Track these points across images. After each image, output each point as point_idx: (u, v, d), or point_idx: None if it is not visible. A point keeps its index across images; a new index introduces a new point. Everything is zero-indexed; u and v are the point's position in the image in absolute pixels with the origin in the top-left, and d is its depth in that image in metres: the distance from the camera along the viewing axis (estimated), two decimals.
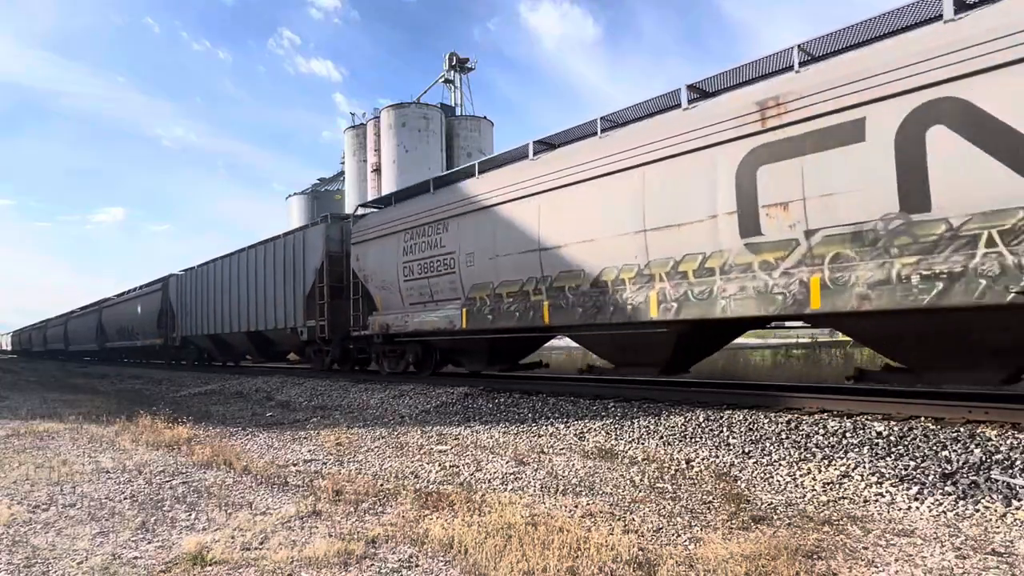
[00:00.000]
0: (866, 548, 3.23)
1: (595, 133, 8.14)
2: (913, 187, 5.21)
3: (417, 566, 3.12)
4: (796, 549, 3.18)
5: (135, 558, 3.31)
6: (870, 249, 5.49)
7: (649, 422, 6.56)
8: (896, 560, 3.06)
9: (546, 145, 9.04)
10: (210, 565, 3.16)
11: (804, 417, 5.89)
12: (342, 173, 45.76)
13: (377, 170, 38.08)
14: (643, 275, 7.28)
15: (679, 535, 3.51)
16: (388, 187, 34.00)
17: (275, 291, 15.23)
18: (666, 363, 7.78)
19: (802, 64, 6.23)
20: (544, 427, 7.09)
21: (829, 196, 5.70)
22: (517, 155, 9.46)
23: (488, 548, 3.21)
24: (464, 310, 9.78)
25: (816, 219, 5.81)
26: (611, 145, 7.68)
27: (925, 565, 2.98)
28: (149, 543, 3.55)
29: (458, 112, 41.42)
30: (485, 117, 40.73)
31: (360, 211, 13.37)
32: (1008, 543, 3.26)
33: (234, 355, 20.10)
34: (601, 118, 8.12)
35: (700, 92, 7.32)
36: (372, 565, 3.13)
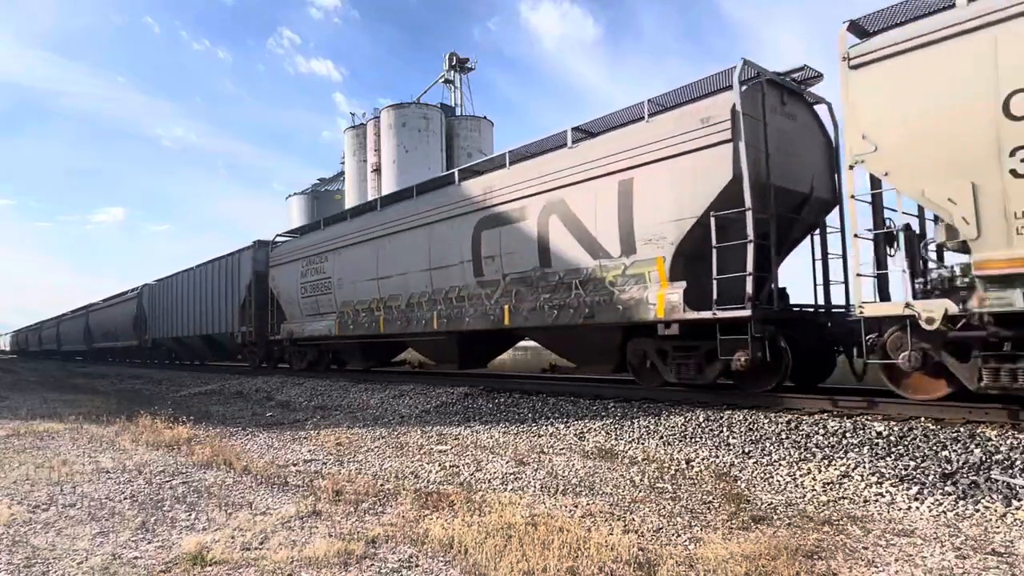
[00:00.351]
0: (866, 548, 3.23)
1: (411, 196, 11.68)
2: (544, 251, 8.60)
3: (417, 566, 3.12)
4: (796, 549, 3.18)
5: (135, 558, 3.31)
6: (529, 288, 8.84)
7: (649, 422, 6.56)
8: (896, 560, 3.06)
9: (391, 198, 12.82)
10: (210, 565, 3.16)
11: (804, 417, 5.89)
12: (342, 173, 45.76)
13: (377, 170, 38.10)
14: (431, 299, 10.61)
15: (679, 535, 3.51)
16: (388, 187, 34.01)
17: (219, 302, 18.84)
18: (459, 360, 11.14)
19: (574, 142, 8.61)
20: (544, 427, 7.09)
21: (511, 253, 9.10)
22: (371, 206, 13.09)
23: (488, 548, 3.21)
24: (337, 321, 13.27)
25: (507, 267, 9.21)
26: (419, 205, 11.21)
27: (925, 565, 2.98)
28: (149, 543, 3.55)
29: (458, 112, 41.43)
30: (485, 117, 40.74)
31: (278, 239, 16.65)
32: (1008, 543, 3.26)
33: (194, 356, 23.07)
34: (417, 185, 11.73)
35: (470, 173, 10.61)
36: (372, 565, 3.13)
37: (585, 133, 8.60)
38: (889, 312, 5.60)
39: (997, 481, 4.07)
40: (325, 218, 14.79)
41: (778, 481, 4.65)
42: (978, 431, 4.84)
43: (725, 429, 5.94)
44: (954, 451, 4.58)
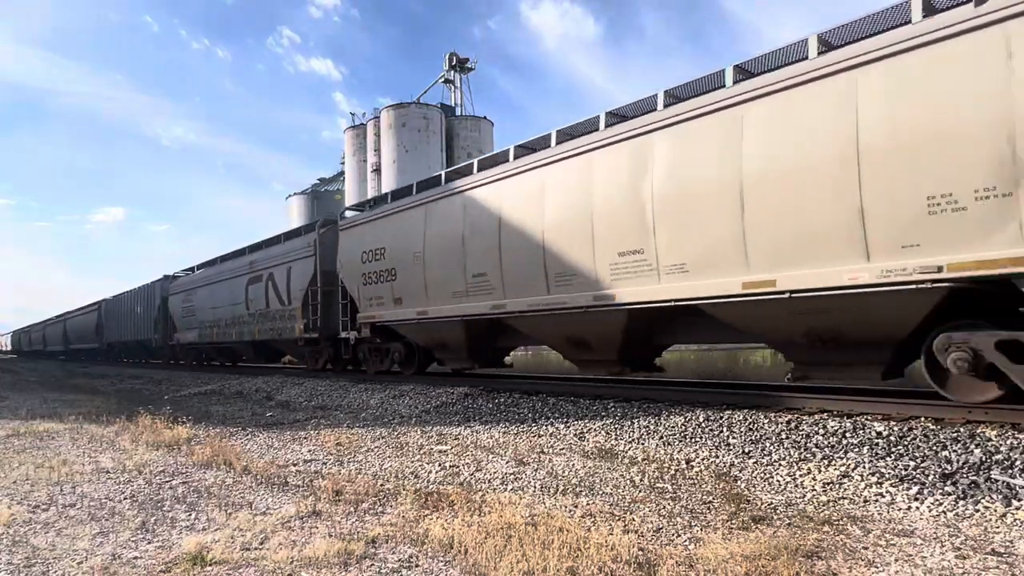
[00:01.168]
0: (866, 548, 3.23)
1: (230, 258, 19.14)
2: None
3: (417, 566, 3.12)
4: (796, 549, 3.18)
5: (135, 558, 3.31)
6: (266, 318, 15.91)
7: (649, 422, 6.56)
8: (896, 560, 3.06)
9: (225, 258, 19.87)
10: (210, 565, 3.16)
11: (804, 417, 5.89)
12: (342, 173, 45.77)
13: (377, 170, 38.09)
14: (233, 322, 17.72)
15: (679, 535, 3.51)
16: (388, 186, 34.01)
17: (144, 316, 26.51)
18: (253, 357, 19.00)
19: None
20: (544, 427, 7.10)
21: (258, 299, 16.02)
22: (214, 262, 20.85)
23: (488, 548, 3.21)
24: (199, 332, 21.08)
25: (256, 307, 17.17)
26: (230, 266, 18.51)
27: (925, 565, 2.98)
28: (149, 543, 3.55)
29: (458, 112, 41.44)
30: (485, 117, 40.75)
31: (177, 274, 24.25)
32: (1008, 543, 3.26)
33: (133, 354, 30.35)
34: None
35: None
36: (372, 565, 3.13)
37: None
38: None
39: (997, 481, 4.07)
40: (198, 264, 22.34)
41: (778, 481, 4.65)
42: (978, 431, 4.84)
43: (725, 429, 5.95)
44: (954, 451, 4.58)
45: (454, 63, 43.05)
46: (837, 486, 4.41)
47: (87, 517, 4.07)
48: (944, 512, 3.81)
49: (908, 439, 4.93)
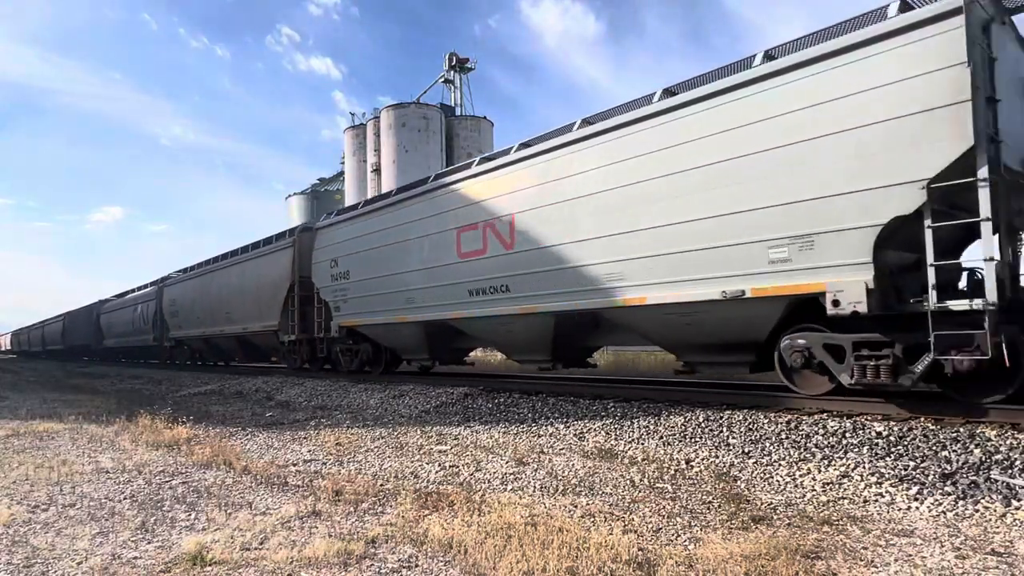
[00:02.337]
0: (866, 548, 3.23)
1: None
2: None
3: (417, 566, 3.12)
4: (796, 549, 3.18)
5: (135, 558, 3.31)
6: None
7: (649, 422, 6.56)
8: (896, 560, 3.06)
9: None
10: (210, 565, 3.16)
11: (804, 417, 5.89)
12: (342, 173, 45.77)
13: (377, 170, 38.10)
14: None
15: (679, 535, 3.51)
16: (388, 186, 34.00)
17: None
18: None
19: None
20: (544, 427, 7.09)
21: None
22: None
23: (488, 548, 3.21)
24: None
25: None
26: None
27: (925, 565, 2.98)
28: (149, 543, 3.55)
29: (458, 112, 41.44)
30: (485, 117, 40.75)
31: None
32: (1008, 543, 3.26)
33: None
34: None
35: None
36: (372, 565, 3.13)
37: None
38: None
39: (997, 481, 4.07)
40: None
41: (778, 481, 4.65)
42: (978, 431, 4.84)
43: (725, 429, 5.95)
44: (954, 451, 4.58)
45: (454, 63, 43.05)
46: (837, 486, 4.41)
47: (87, 517, 4.07)
48: (944, 512, 3.81)
49: (908, 439, 4.92)
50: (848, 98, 5.53)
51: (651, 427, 6.42)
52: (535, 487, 4.67)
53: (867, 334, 5.69)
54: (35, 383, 18.96)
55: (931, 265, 5.14)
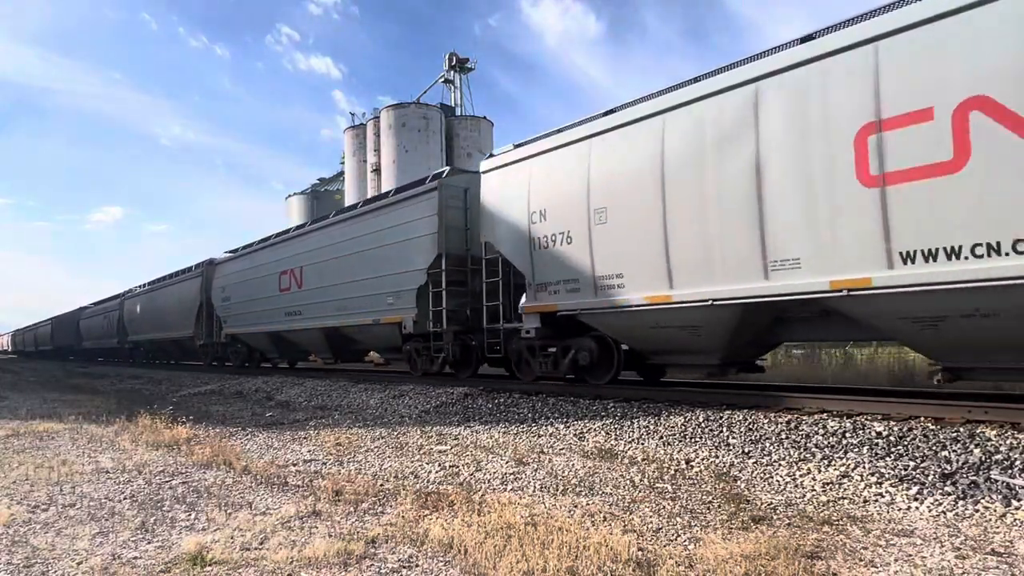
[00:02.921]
0: (866, 548, 3.23)
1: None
2: None
3: (417, 566, 3.12)
4: (796, 549, 3.18)
5: (135, 558, 3.31)
6: None
7: (649, 422, 6.56)
8: (896, 560, 3.06)
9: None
10: (210, 565, 3.16)
11: (804, 417, 5.89)
12: (342, 173, 45.76)
13: (377, 170, 38.11)
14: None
15: (679, 535, 3.51)
16: (388, 186, 33.98)
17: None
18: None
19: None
20: (544, 427, 7.09)
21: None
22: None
23: (488, 548, 3.21)
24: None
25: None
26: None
27: (925, 565, 2.98)
28: (149, 543, 3.55)
29: (458, 112, 41.44)
30: (485, 117, 40.76)
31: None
32: (1008, 543, 3.26)
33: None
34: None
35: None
36: (372, 565, 3.13)
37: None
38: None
39: (997, 481, 4.07)
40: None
41: (778, 481, 4.66)
42: (978, 431, 4.84)
43: (725, 429, 5.95)
44: (954, 451, 4.58)
45: (454, 63, 43.05)
46: (837, 486, 4.41)
47: (87, 517, 4.07)
48: (944, 512, 3.81)
49: (908, 439, 4.93)
50: (407, 223, 11.19)
51: (651, 427, 6.42)
52: (535, 487, 4.67)
53: (416, 343, 11.54)
54: (35, 383, 18.96)
55: (433, 310, 10.79)
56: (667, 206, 6.98)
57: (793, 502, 4.17)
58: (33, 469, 5.52)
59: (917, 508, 3.91)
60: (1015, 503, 3.80)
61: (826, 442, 5.20)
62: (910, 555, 3.12)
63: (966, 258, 4.90)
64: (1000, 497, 3.89)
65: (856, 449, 4.95)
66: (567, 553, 3.11)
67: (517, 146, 9.28)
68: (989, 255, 4.79)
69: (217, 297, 19.09)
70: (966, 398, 6.24)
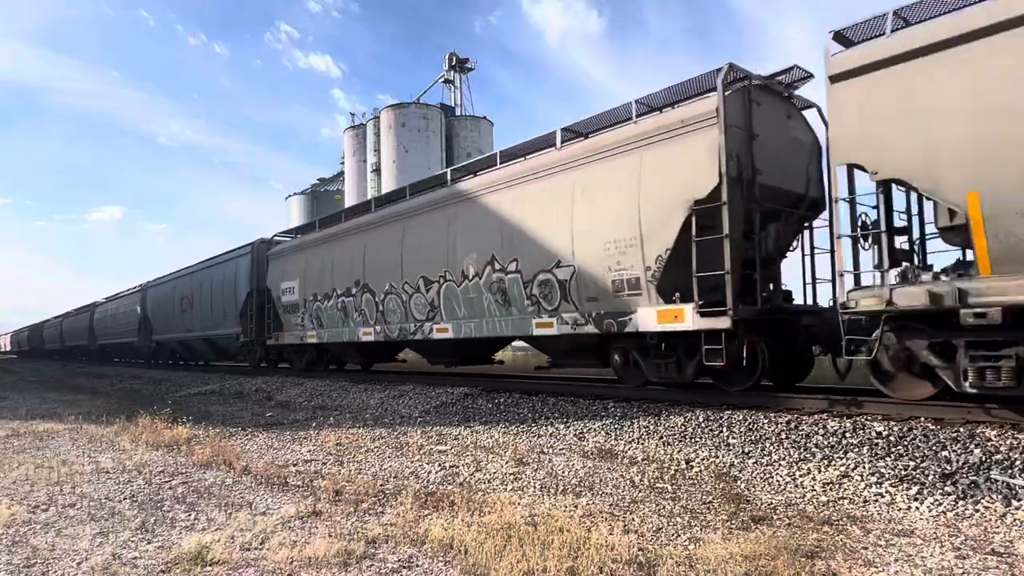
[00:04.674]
0: (866, 548, 3.23)
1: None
2: None
3: (417, 566, 3.12)
4: (796, 549, 3.18)
5: (135, 558, 3.31)
6: None
7: (649, 422, 6.56)
8: (896, 560, 3.06)
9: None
10: (210, 565, 3.16)
11: (804, 417, 5.89)
12: (342, 173, 45.77)
13: (377, 170, 38.11)
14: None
15: (679, 535, 3.51)
16: (388, 187, 34.02)
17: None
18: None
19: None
20: (544, 427, 7.09)
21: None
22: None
23: (488, 548, 3.21)
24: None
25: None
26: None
27: (925, 565, 2.99)
28: (149, 543, 3.55)
29: (458, 112, 41.46)
30: (485, 117, 40.81)
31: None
32: (1008, 543, 3.26)
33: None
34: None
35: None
36: (372, 565, 3.13)
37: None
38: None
39: (997, 481, 4.07)
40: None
41: (778, 481, 4.65)
42: (978, 431, 4.84)
43: (725, 429, 5.94)
44: (954, 451, 4.58)
45: (454, 63, 43.07)
46: (837, 486, 4.41)
47: (87, 517, 4.07)
48: (944, 512, 3.81)
49: (908, 439, 4.92)
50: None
51: (651, 427, 6.42)
52: (535, 487, 4.67)
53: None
54: (35, 383, 18.96)
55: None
56: None
57: (793, 502, 4.17)
58: (33, 469, 5.52)
59: (917, 508, 3.91)
60: (1015, 503, 3.80)
61: (826, 442, 5.20)
62: (910, 555, 3.12)
63: None
64: (1000, 497, 3.89)
65: (856, 449, 4.95)
66: (567, 553, 3.11)
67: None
68: None
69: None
70: (966, 398, 6.24)
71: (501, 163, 9.56)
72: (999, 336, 4.88)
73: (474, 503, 4.15)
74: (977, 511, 3.78)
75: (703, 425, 6.16)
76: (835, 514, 3.85)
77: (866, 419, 5.58)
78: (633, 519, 3.80)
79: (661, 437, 6.09)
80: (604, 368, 8.71)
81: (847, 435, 5.23)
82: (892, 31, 5.48)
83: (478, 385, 9.83)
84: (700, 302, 6.61)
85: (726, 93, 6.59)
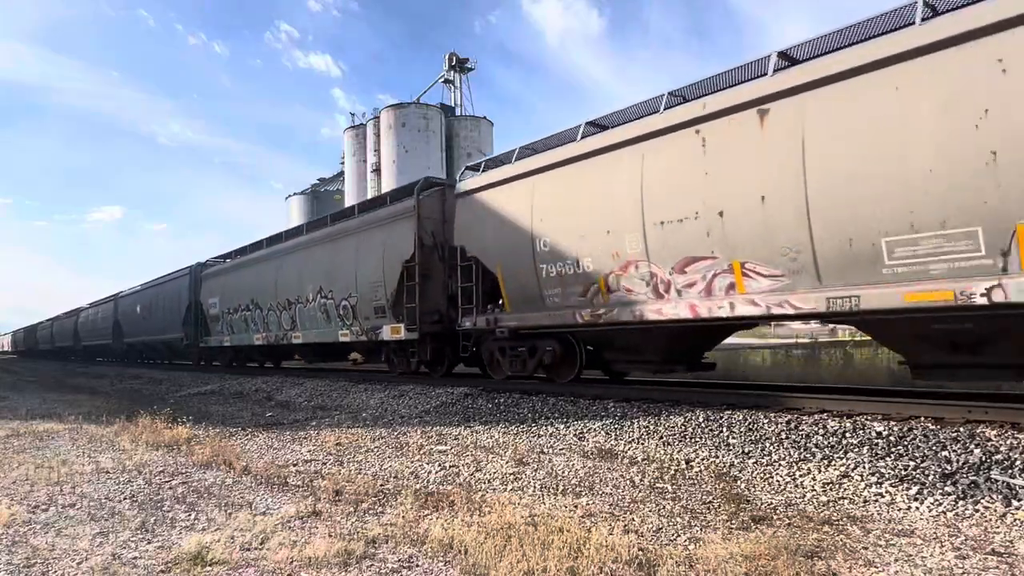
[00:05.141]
0: (866, 548, 3.23)
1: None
2: None
3: (417, 566, 3.12)
4: (796, 549, 3.18)
5: (135, 558, 3.31)
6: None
7: (649, 422, 6.56)
8: (896, 560, 3.06)
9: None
10: (210, 565, 3.16)
11: (804, 417, 5.89)
12: (342, 173, 45.78)
13: (377, 170, 38.11)
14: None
15: (679, 535, 3.51)
16: (388, 187, 34.00)
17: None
18: None
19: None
20: (544, 427, 7.09)
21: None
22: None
23: (488, 548, 3.21)
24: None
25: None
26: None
27: (925, 565, 2.99)
28: (149, 543, 3.55)
29: (458, 112, 41.46)
30: (485, 117, 40.82)
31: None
32: (1008, 543, 3.26)
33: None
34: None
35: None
36: (372, 565, 3.13)
37: None
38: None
39: (997, 481, 4.07)
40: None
41: (778, 481, 4.66)
42: (978, 431, 4.84)
43: (725, 429, 5.95)
44: (954, 451, 4.58)
45: (454, 63, 43.07)
46: (837, 486, 4.41)
47: (87, 517, 4.07)
48: (944, 512, 3.81)
49: (908, 439, 4.93)
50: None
51: (651, 427, 6.42)
52: (535, 487, 4.67)
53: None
54: (35, 383, 18.97)
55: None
56: None
57: (793, 502, 4.17)
58: (33, 469, 5.52)
59: (917, 508, 3.91)
60: (1015, 503, 3.80)
61: (826, 442, 5.20)
62: (910, 555, 3.12)
63: None
64: (1000, 497, 3.89)
65: (856, 449, 4.95)
66: (567, 553, 3.11)
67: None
68: None
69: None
70: (966, 398, 6.24)
71: (331, 223, 14.12)
72: (512, 342, 9.44)
73: (474, 503, 4.15)
74: (977, 511, 3.78)
75: (703, 425, 6.16)
76: (835, 514, 3.85)
77: (866, 419, 5.58)
78: (633, 519, 3.81)
79: (661, 437, 6.09)
80: (381, 363, 12.98)
81: (847, 435, 5.23)
82: (484, 170, 10.06)
83: (478, 385, 9.83)
84: (408, 322, 10.83)
85: (420, 197, 10.84)
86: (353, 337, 12.46)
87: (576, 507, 4.08)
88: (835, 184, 5.64)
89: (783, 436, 5.49)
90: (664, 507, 4.07)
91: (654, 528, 3.64)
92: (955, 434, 4.84)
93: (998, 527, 3.52)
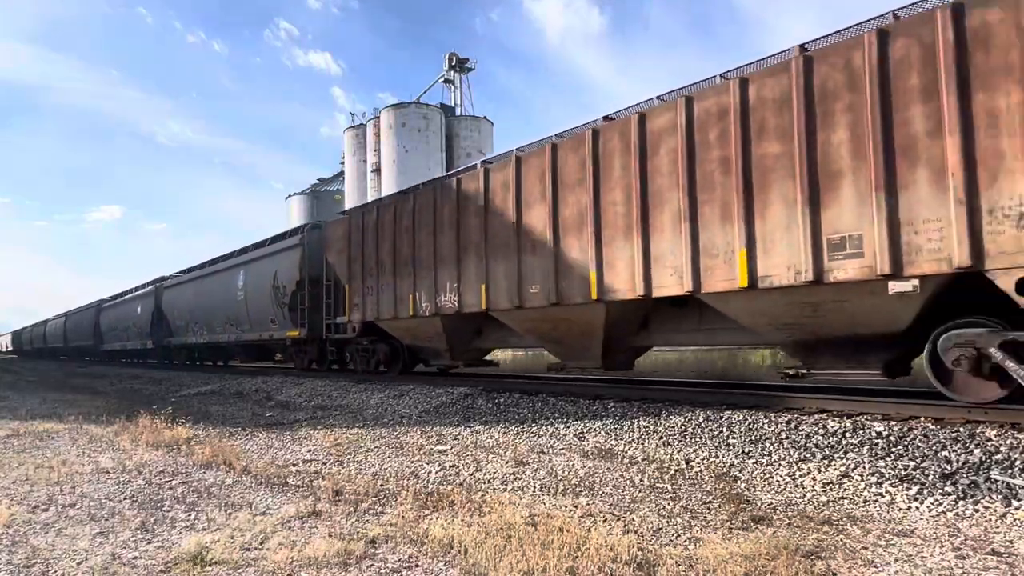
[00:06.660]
0: (866, 548, 3.23)
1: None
2: None
3: (417, 566, 3.12)
4: (796, 549, 3.18)
5: (135, 558, 3.31)
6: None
7: (649, 422, 6.56)
8: (896, 560, 3.06)
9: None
10: (210, 565, 3.16)
11: (804, 417, 5.89)
12: (342, 173, 45.76)
13: (377, 170, 38.09)
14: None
15: (679, 535, 3.51)
16: (388, 187, 34.01)
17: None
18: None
19: None
20: (544, 427, 7.10)
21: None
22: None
23: (488, 548, 3.21)
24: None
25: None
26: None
27: (925, 565, 2.99)
28: (149, 543, 3.55)
29: (458, 112, 41.45)
30: (485, 117, 40.78)
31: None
32: (1008, 543, 3.26)
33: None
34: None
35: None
36: (372, 565, 3.13)
37: None
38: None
39: (997, 481, 4.07)
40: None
41: (778, 481, 4.66)
42: (978, 431, 4.83)
43: (725, 429, 5.95)
44: (954, 451, 4.58)
45: (454, 63, 43.06)
46: (837, 486, 4.41)
47: (87, 517, 4.07)
48: (944, 512, 3.81)
49: (908, 439, 4.93)
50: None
51: (651, 427, 6.42)
52: (535, 487, 4.67)
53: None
54: (35, 383, 18.97)
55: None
56: None
57: (793, 502, 4.17)
58: (33, 469, 5.52)
59: (917, 508, 3.91)
60: (1015, 503, 3.79)
61: (826, 442, 5.20)
62: (910, 555, 3.12)
63: None
64: (1000, 497, 3.89)
65: (856, 449, 4.95)
66: (567, 553, 3.11)
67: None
68: None
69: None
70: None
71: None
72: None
73: (474, 503, 4.15)
74: (977, 511, 3.78)
75: (703, 425, 6.16)
76: (835, 514, 3.85)
77: (866, 419, 5.58)
78: (633, 519, 3.81)
79: (661, 437, 6.09)
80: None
81: (847, 435, 5.23)
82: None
83: (478, 385, 9.84)
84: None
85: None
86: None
87: (576, 507, 4.08)
88: None
89: (783, 436, 5.49)
90: (664, 507, 4.07)
91: (654, 528, 3.64)
92: (955, 434, 4.84)
93: (998, 527, 3.52)
